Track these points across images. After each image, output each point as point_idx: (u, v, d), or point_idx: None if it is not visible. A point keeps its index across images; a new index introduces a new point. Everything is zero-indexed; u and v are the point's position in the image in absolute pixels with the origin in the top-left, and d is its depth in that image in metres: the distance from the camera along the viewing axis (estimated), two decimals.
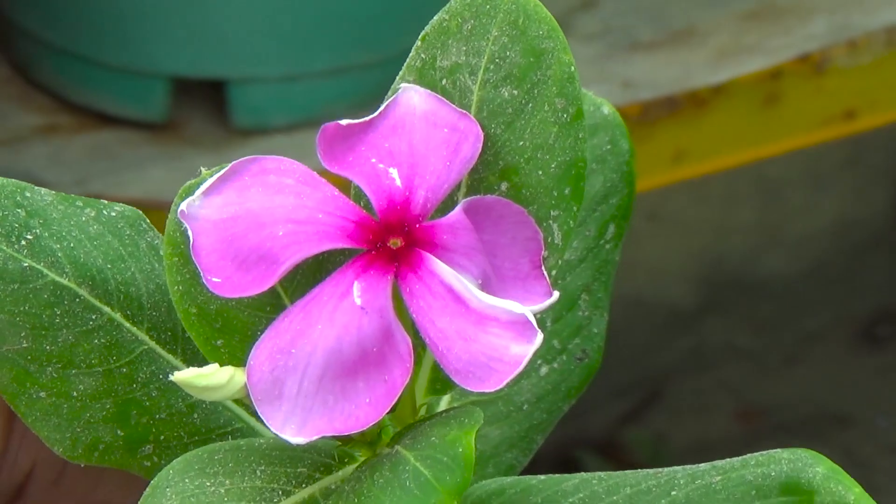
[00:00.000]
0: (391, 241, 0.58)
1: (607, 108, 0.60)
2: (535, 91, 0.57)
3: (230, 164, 0.60)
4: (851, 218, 2.23)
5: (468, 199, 0.57)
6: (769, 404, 2.16)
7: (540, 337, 0.53)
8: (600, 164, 0.59)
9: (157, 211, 0.70)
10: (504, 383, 0.54)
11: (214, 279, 0.56)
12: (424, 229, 0.57)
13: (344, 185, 0.62)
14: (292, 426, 0.56)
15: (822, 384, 2.17)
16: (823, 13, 1.29)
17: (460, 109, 0.59)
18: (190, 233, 0.56)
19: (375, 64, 1.63)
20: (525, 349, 0.54)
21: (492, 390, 0.55)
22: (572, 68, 0.57)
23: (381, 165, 0.57)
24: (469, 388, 0.55)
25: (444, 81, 0.60)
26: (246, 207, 0.59)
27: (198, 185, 0.59)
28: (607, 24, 1.36)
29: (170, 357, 0.73)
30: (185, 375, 0.57)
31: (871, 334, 2.21)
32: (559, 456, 2.09)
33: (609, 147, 0.58)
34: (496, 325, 0.55)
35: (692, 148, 1.27)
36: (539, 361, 0.66)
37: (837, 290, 2.23)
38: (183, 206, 0.58)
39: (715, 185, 2.16)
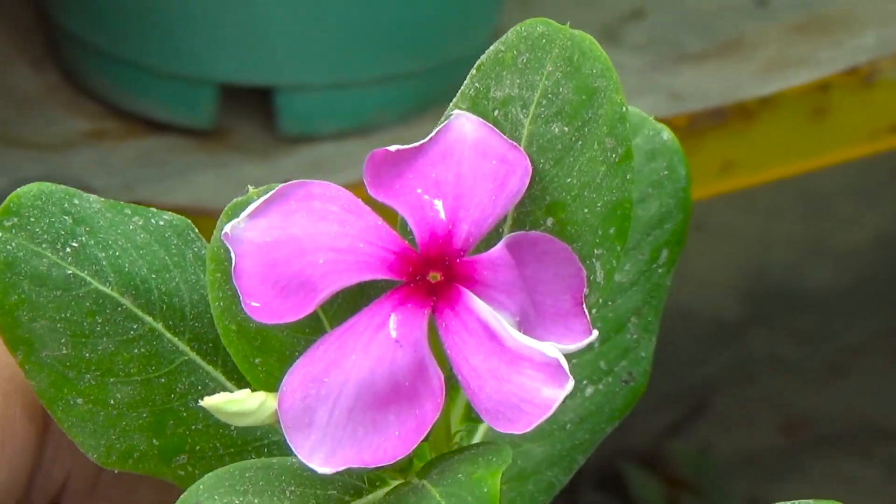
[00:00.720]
0: (431, 274, 0.58)
1: (667, 134, 0.60)
2: (586, 129, 0.57)
3: (277, 187, 0.60)
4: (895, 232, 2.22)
5: (512, 234, 0.57)
6: (813, 416, 2.15)
7: (571, 383, 0.53)
8: (657, 189, 0.59)
9: (204, 217, 0.69)
10: (533, 426, 0.54)
11: (254, 304, 0.55)
12: (465, 264, 0.57)
13: (391, 214, 0.61)
14: (320, 456, 0.56)
15: (866, 397, 2.17)
16: (873, 26, 1.28)
17: (511, 141, 0.58)
18: (233, 255, 0.56)
19: (423, 72, 1.60)
20: (556, 393, 0.53)
21: (520, 432, 0.55)
22: (623, 108, 0.57)
23: (426, 196, 0.57)
24: (498, 429, 0.55)
25: (496, 112, 0.59)
26: (290, 233, 0.59)
27: (244, 206, 0.59)
28: (655, 35, 1.35)
29: (209, 368, 0.72)
30: (216, 401, 0.57)
31: None
32: (602, 468, 2.09)
33: (666, 173, 0.58)
34: (530, 367, 0.55)
35: (739, 159, 1.27)
36: (585, 382, 0.65)
37: (881, 304, 2.23)
38: (227, 227, 0.57)
39: (761, 196, 2.15)
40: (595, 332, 0.55)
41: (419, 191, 0.58)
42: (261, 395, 0.56)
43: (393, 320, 0.56)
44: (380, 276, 0.56)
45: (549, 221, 0.57)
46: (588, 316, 0.56)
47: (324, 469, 0.53)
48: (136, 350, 0.70)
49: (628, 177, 0.57)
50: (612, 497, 2.09)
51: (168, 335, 0.73)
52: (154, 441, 0.76)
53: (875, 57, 1.26)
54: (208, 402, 0.55)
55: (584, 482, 2.07)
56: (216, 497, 0.63)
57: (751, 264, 2.18)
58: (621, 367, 0.63)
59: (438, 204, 0.58)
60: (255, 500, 0.65)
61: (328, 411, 0.54)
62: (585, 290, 0.56)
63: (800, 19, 1.29)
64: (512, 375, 0.56)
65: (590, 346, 0.59)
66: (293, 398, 0.53)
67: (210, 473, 0.66)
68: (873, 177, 2.22)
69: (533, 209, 0.57)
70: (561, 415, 0.60)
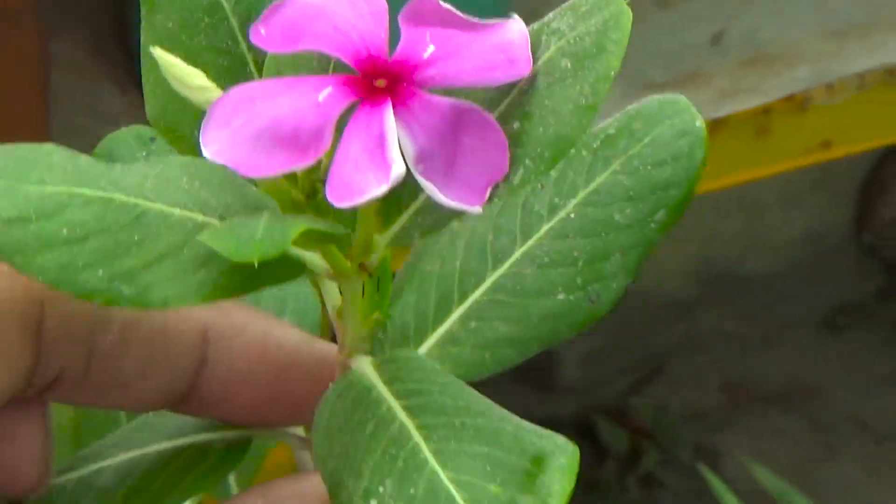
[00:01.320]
0: (379, 80, 0.55)
1: (699, 122, 0.59)
2: (581, 73, 0.52)
3: None
4: (819, 230, 2.24)
5: (465, 101, 0.53)
6: (750, 379, 2.16)
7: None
8: (674, 161, 0.59)
9: None
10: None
11: (262, 32, 0.53)
12: (411, 91, 0.54)
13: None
14: (217, 149, 0.53)
15: (793, 363, 2.19)
16: (807, 61, 1.31)
17: (529, 56, 0.54)
18: None
19: None
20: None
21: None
22: (612, 73, 0.55)
23: (431, 32, 0.54)
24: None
25: (543, 36, 0.59)
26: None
27: None
28: (626, 69, 1.37)
29: None
30: (168, 57, 0.55)
31: (832, 323, 2.23)
32: (578, 420, 2.11)
33: (687, 150, 0.59)
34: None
35: None
36: (560, 289, 0.61)
37: (806, 288, 2.25)
38: None
39: (710, 200, 2.18)
40: (479, 209, 0.56)
41: (433, 28, 0.55)
42: (209, 84, 0.55)
43: (327, 91, 0.54)
44: (344, 60, 0.55)
45: (516, 125, 0.53)
46: (485, 199, 0.53)
47: (212, 157, 0.51)
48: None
49: (584, 122, 0.56)
50: (587, 443, 2.10)
51: None
52: None
53: (809, 87, 1.29)
54: (158, 53, 0.55)
55: (562, 430, 2.08)
56: None
57: (700, 255, 2.20)
58: (593, 288, 0.57)
59: (430, 43, 0.55)
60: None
61: (245, 122, 0.52)
62: (498, 181, 0.53)
63: (747, 55, 1.32)
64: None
65: (573, 261, 0.61)
66: (229, 100, 0.51)
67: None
68: (802, 185, 2.24)
69: (511, 111, 0.54)
70: (533, 308, 0.60)
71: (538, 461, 0.46)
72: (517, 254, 0.64)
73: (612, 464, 2.06)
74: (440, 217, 0.54)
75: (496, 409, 0.51)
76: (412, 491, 0.47)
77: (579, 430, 2.09)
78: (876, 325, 2.25)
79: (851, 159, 2.18)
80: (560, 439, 0.46)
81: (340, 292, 0.59)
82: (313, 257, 0.55)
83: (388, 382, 0.53)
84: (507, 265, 0.64)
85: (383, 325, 0.63)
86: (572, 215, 0.61)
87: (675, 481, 2.06)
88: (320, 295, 0.59)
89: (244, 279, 0.55)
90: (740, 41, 1.33)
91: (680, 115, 0.59)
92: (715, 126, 1.27)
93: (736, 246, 2.21)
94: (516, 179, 0.54)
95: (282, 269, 0.55)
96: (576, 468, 0.44)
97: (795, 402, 2.15)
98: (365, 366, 0.53)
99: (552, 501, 0.44)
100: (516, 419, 0.52)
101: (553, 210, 0.62)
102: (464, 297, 0.65)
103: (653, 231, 0.60)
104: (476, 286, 0.65)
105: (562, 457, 0.45)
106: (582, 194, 0.60)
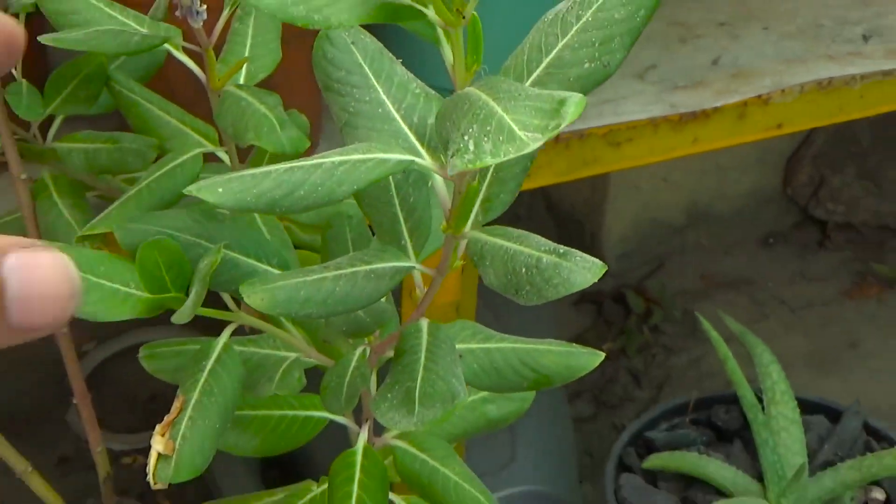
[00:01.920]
0: None
1: None
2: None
3: None
4: (762, 185, 2.20)
5: None
6: (717, 273, 2.12)
7: None
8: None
9: None
10: None
11: None
12: None
13: None
14: None
15: (743, 265, 2.14)
16: (769, 76, 1.26)
17: None
18: None
19: None
20: None
21: None
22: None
23: None
24: None
25: None
26: None
27: None
28: (658, 78, 1.34)
29: None
30: None
31: (766, 242, 2.19)
32: (614, 292, 2.09)
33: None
34: None
35: (702, 136, 1.26)
36: (586, 61, 0.59)
37: (752, 220, 2.21)
38: None
39: (696, 161, 2.14)
40: None
41: None
42: None
43: None
44: None
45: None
46: None
47: None
48: None
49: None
50: (619, 307, 2.05)
51: None
52: None
53: (770, 91, 1.24)
54: None
55: (604, 299, 2.05)
56: None
57: (688, 199, 2.17)
58: (605, 59, 0.57)
59: None
60: None
61: None
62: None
63: (733, 71, 1.27)
64: None
65: (592, 44, 0.59)
66: None
67: None
68: (751, 158, 2.20)
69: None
70: (572, 73, 0.61)
71: (561, 102, 0.49)
72: (559, 45, 0.61)
73: (634, 318, 2.02)
74: None
75: None
76: (488, 127, 0.49)
77: (614, 298, 2.06)
78: (791, 244, 2.20)
79: (783, 141, 2.15)
80: (576, 95, 0.50)
81: (451, 50, 0.57)
82: (430, 11, 0.54)
83: (479, 89, 0.53)
84: (553, 52, 0.61)
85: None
86: (590, 18, 0.60)
87: (671, 329, 2.03)
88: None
89: (387, 14, 0.55)
90: (730, 63, 1.29)
91: None
92: (713, 112, 1.23)
93: (711, 193, 2.17)
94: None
95: (410, 12, 0.55)
96: (583, 105, 0.49)
97: (743, 288, 2.10)
98: (469, 87, 0.52)
99: (568, 118, 0.48)
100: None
101: (578, 18, 0.60)
102: (530, 73, 0.62)
103: (638, 23, 0.59)
104: (537, 65, 0.61)
105: (575, 98, 0.48)
106: (595, 6, 0.60)
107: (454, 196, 0.62)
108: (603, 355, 0.75)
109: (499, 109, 0.51)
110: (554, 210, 2.18)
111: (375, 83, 0.62)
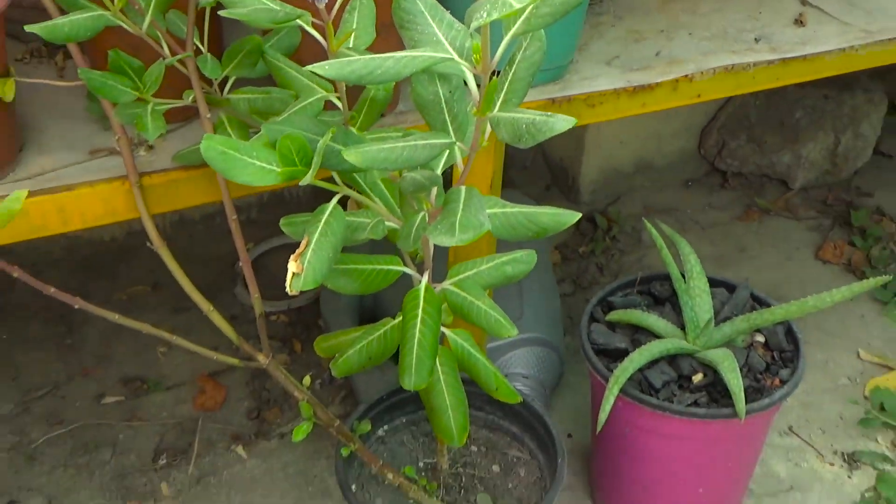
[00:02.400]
0: None
1: None
2: None
3: None
4: (685, 146, 2.16)
5: None
6: (652, 204, 2.09)
7: None
8: None
9: None
10: None
11: None
12: None
13: None
14: None
15: (668, 198, 2.10)
16: (694, 64, 1.24)
17: None
18: None
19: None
20: None
21: None
22: None
23: None
24: None
25: None
26: None
27: None
28: (619, 64, 1.30)
29: None
30: None
31: (686, 186, 2.15)
32: (587, 215, 2.05)
33: None
34: None
35: (649, 102, 1.23)
36: None
37: (676, 171, 2.17)
38: None
39: (644, 122, 2.09)
40: None
41: None
42: None
43: None
44: None
45: None
46: None
47: None
48: None
49: None
50: (590, 225, 2.02)
51: None
52: None
53: (693, 72, 1.22)
54: None
55: (581, 219, 2.03)
56: None
57: (637, 153, 2.12)
58: None
59: None
60: None
61: None
62: None
63: (670, 60, 1.25)
64: None
65: None
66: None
67: None
68: (679, 125, 2.16)
69: None
70: None
71: None
72: None
73: (600, 231, 1.99)
74: None
75: None
76: (496, 4, 0.50)
77: (587, 219, 2.05)
78: (703, 186, 2.16)
79: (699, 117, 2.11)
80: None
81: None
82: None
83: None
84: None
85: None
86: None
87: (623, 239, 2.00)
88: None
89: None
90: (667, 55, 1.27)
91: None
92: (656, 85, 1.21)
93: (651, 152, 2.14)
94: None
95: None
96: None
97: (670, 213, 2.08)
98: None
99: None
100: None
101: None
102: None
103: None
104: None
105: None
106: None
107: (481, 91, 0.63)
108: (576, 216, 0.76)
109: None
110: (548, 162, 2.16)
111: (431, 22, 0.63)
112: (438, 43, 0.63)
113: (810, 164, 2.12)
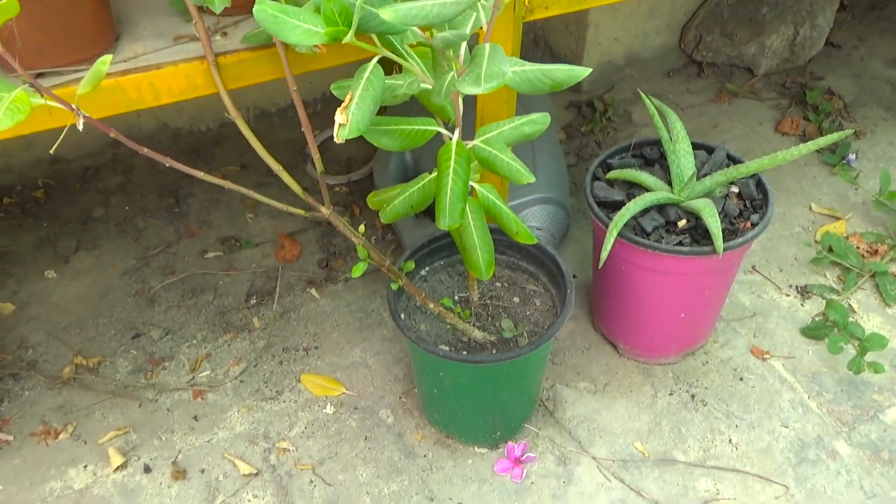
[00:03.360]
0: None
1: None
2: None
3: None
4: (668, 42, 2.03)
5: None
6: (644, 90, 1.99)
7: None
8: None
9: None
10: None
11: None
12: None
13: None
14: None
15: (656, 86, 1.99)
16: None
17: None
18: None
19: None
20: None
21: None
22: None
23: None
24: None
25: None
26: None
27: None
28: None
29: None
30: None
31: (668, 74, 2.02)
32: (587, 100, 1.94)
33: None
34: None
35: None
36: None
37: (660, 63, 2.05)
38: None
39: (633, 19, 1.96)
40: None
41: None
42: None
43: None
44: None
45: None
46: None
47: None
48: None
49: None
50: (589, 109, 1.91)
51: None
52: None
53: None
54: None
55: (581, 104, 1.93)
56: None
57: (627, 49, 1.99)
58: None
59: None
60: None
61: None
62: None
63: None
64: None
65: None
66: None
67: None
68: (662, 23, 2.01)
69: None
70: None
71: None
72: None
73: (597, 113, 1.87)
74: None
75: None
76: None
77: (587, 104, 1.95)
78: (682, 75, 2.03)
79: (681, 15, 1.96)
80: None
81: None
82: None
83: None
84: None
85: None
86: None
87: (617, 120, 1.89)
88: None
89: None
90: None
91: None
92: None
93: (639, 47, 2.01)
94: None
95: None
96: None
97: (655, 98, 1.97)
98: None
99: None
100: None
101: None
102: None
103: None
104: None
105: None
106: None
107: None
108: (586, 71, 0.68)
109: None
110: (554, 57, 2.04)
111: None
112: None
113: (773, 53, 1.98)
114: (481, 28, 0.67)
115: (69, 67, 0.83)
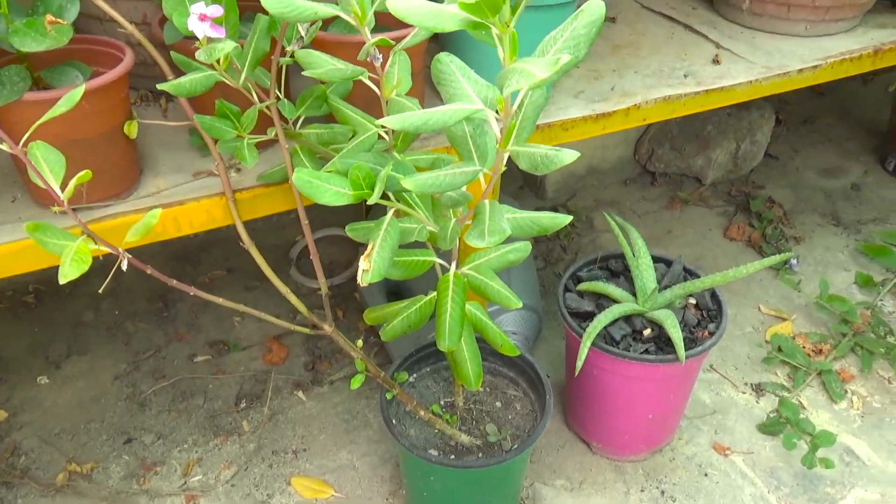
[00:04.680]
0: None
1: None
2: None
3: None
4: (623, 155, 2.17)
5: None
6: (601, 200, 2.10)
7: None
8: (590, 24, 0.55)
9: None
10: None
11: None
12: None
13: None
14: None
15: (614, 194, 2.11)
16: (641, 96, 1.24)
17: None
18: None
19: None
20: None
21: None
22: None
23: None
24: None
25: None
26: None
27: None
28: (585, 95, 1.30)
29: None
30: None
31: (625, 183, 2.15)
32: (552, 208, 2.05)
33: (596, 21, 0.54)
34: None
35: (608, 125, 1.23)
36: (567, 46, 0.56)
37: (619, 174, 2.18)
38: None
39: (598, 139, 2.09)
40: None
41: None
42: None
43: None
44: None
45: None
46: None
47: None
48: None
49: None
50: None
51: None
52: None
53: (640, 102, 1.22)
54: None
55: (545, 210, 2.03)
56: None
57: (588, 161, 2.13)
58: (577, 51, 0.55)
59: None
60: None
61: None
62: None
63: (623, 93, 1.25)
64: None
65: (569, 45, 0.54)
66: None
67: None
68: (620, 139, 2.16)
69: None
70: None
71: (556, 61, 0.46)
72: (556, 46, 0.56)
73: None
74: None
75: None
76: (520, 74, 0.46)
77: (553, 210, 2.03)
78: (638, 183, 2.17)
79: (635, 131, 2.11)
80: (565, 56, 0.47)
81: (502, 46, 0.52)
82: (492, 23, 0.49)
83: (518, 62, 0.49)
84: (553, 48, 0.56)
85: None
86: (568, 34, 0.55)
87: (580, 226, 1.99)
88: None
89: (471, 25, 0.50)
90: (619, 89, 1.27)
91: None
92: (612, 113, 1.21)
93: (599, 158, 2.14)
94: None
95: (482, 25, 0.49)
96: (569, 63, 0.46)
97: (614, 206, 2.08)
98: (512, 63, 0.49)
99: (560, 65, 0.45)
100: None
101: (563, 33, 0.56)
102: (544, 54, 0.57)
103: (593, 34, 0.54)
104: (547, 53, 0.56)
105: (564, 58, 0.45)
106: (570, 28, 0.54)
107: (502, 131, 0.63)
108: (569, 218, 0.76)
109: (525, 66, 0.51)
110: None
111: (461, 80, 0.63)
112: (468, 96, 0.62)
113: (718, 165, 2.11)
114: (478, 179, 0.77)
115: (99, 203, 0.90)
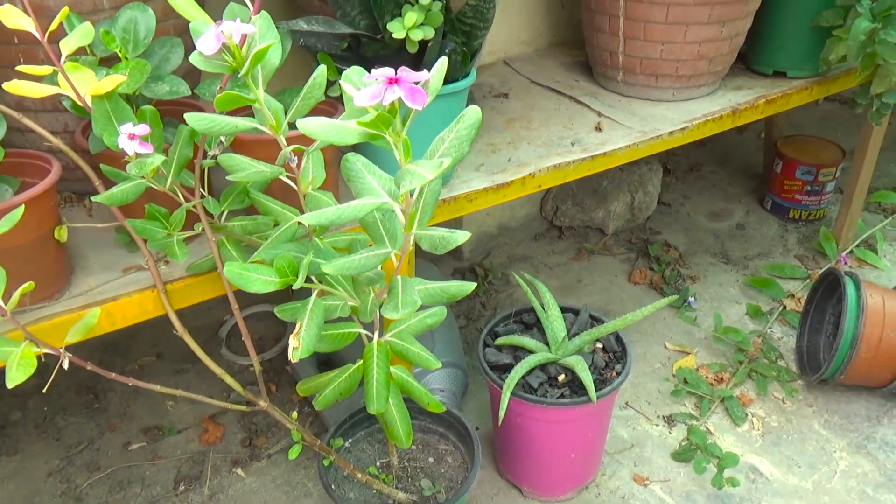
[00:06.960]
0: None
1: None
2: None
3: None
4: (530, 212, 2.28)
5: None
6: (514, 255, 2.21)
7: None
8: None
9: None
10: None
11: None
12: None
13: None
14: None
15: (525, 249, 2.20)
16: (534, 165, 1.34)
17: None
18: None
19: None
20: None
21: None
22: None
23: None
24: None
25: None
26: None
27: None
28: (544, 141, 1.40)
29: None
30: None
31: (535, 238, 2.24)
32: (467, 269, 2.09)
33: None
34: None
35: (507, 193, 1.33)
36: (453, 147, 0.59)
37: (527, 229, 2.26)
38: None
39: (511, 202, 2.16)
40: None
41: None
42: None
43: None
44: None
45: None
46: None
47: None
48: None
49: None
50: (471, 276, 2.05)
51: None
52: None
53: (533, 172, 1.32)
54: None
55: (463, 272, 2.12)
56: None
57: (498, 222, 2.23)
58: (460, 150, 0.58)
59: None
60: None
61: None
62: None
63: (518, 164, 1.35)
64: None
65: (455, 145, 0.58)
66: None
67: None
68: (526, 200, 2.26)
69: None
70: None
71: (440, 164, 0.49)
72: (444, 146, 0.60)
73: (479, 279, 2.08)
74: None
75: None
76: (412, 175, 0.50)
77: (470, 270, 2.10)
78: (546, 238, 2.26)
79: (540, 192, 2.21)
80: (446, 159, 0.49)
81: (397, 151, 0.55)
82: (387, 134, 0.53)
83: (409, 164, 0.53)
84: (441, 148, 0.61)
85: None
86: (453, 136, 0.59)
87: (496, 282, 2.04)
88: None
89: (370, 137, 0.54)
90: (516, 160, 1.28)
91: None
92: (510, 182, 1.26)
93: (508, 217, 2.23)
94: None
95: (379, 136, 0.53)
96: (450, 165, 0.47)
97: (526, 260, 2.16)
98: (406, 165, 0.51)
99: (443, 167, 0.48)
100: None
101: (448, 134, 0.60)
102: (434, 155, 0.62)
103: (472, 134, 0.58)
104: (436, 153, 0.61)
105: (446, 161, 0.48)
106: (454, 131, 0.58)
107: (406, 217, 0.71)
108: (474, 285, 0.84)
109: (416, 168, 0.59)
110: None
111: (367, 176, 0.70)
112: (374, 190, 0.69)
113: (617, 216, 2.17)
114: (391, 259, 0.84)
115: (34, 306, 0.93)
